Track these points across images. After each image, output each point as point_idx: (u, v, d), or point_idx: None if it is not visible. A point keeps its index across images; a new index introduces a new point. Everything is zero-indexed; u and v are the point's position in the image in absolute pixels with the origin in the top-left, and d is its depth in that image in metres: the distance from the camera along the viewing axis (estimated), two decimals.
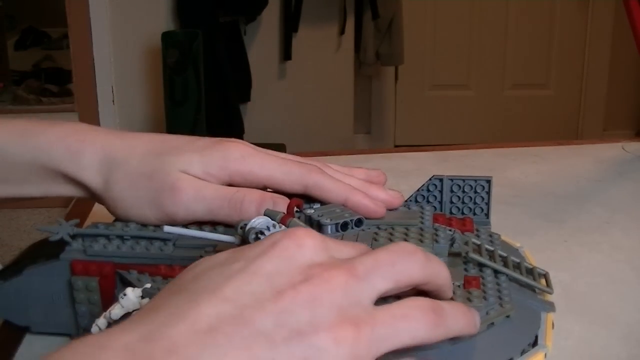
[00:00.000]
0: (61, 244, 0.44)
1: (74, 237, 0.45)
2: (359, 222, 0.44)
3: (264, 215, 0.41)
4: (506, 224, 0.67)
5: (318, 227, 0.41)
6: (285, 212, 0.43)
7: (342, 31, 3.04)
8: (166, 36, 2.61)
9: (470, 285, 0.39)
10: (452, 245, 0.43)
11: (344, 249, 0.32)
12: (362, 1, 3.02)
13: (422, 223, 0.45)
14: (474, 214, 0.52)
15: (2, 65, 3.55)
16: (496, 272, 0.41)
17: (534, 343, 0.37)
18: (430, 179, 0.51)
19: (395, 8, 3.04)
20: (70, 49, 2.84)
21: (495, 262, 0.41)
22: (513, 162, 0.85)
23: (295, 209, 0.45)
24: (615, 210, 0.69)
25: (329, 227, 0.41)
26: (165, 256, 0.42)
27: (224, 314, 0.27)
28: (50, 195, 0.51)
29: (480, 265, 0.41)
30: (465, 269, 0.41)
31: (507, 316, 0.37)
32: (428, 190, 0.52)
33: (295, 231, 0.31)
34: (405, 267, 0.31)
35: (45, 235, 0.45)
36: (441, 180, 0.51)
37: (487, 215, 0.52)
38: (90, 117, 2.87)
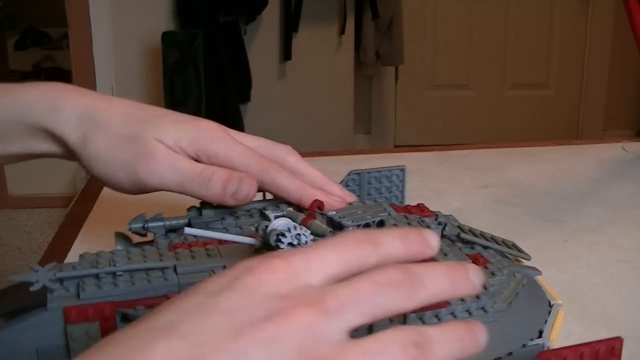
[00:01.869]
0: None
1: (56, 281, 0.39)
2: (381, 224, 0.44)
3: (285, 216, 0.41)
4: (506, 224, 0.67)
5: (340, 228, 0.41)
6: (292, 209, 0.44)
7: (342, 31, 3.04)
8: (166, 36, 2.61)
9: (478, 262, 0.40)
10: (444, 229, 0.45)
11: (320, 268, 0.29)
12: (362, 1, 3.02)
13: (389, 215, 0.46)
14: (391, 202, 0.55)
15: (2, 65, 3.55)
16: (484, 247, 0.44)
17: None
18: (348, 174, 0.54)
19: (395, 8, 3.04)
20: (70, 49, 2.84)
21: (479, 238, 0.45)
22: (513, 162, 0.85)
23: (317, 210, 0.45)
24: (615, 210, 0.69)
25: (351, 228, 0.41)
26: (171, 285, 0.39)
27: (178, 353, 0.25)
28: (32, 153, 0.51)
29: (469, 244, 0.44)
30: (460, 249, 0.43)
31: (523, 285, 0.40)
32: (347, 185, 0.55)
33: (258, 264, 0.28)
34: (386, 300, 0.27)
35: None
36: (359, 174, 0.56)
37: (402, 202, 0.55)
38: None
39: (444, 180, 0.79)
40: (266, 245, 0.40)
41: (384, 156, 0.92)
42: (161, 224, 0.47)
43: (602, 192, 0.75)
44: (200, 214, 0.49)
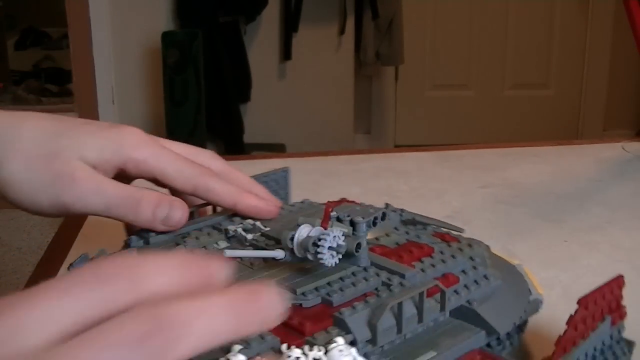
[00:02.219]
0: None
1: None
2: (383, 216, 0.44)
3: (299, 223, 0.39)
4: (506, 224, 0.67)
5: (352, 225, 0.41)
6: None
7: (342, 31, 3.04)
8: (166, 36, 2.61)
9: (445, 239, 0.44)
10: (382, 219, 0.45)
11: (40, 326, 0.21)
12: (362, 1, 3.02)
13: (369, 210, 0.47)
14: None
15: (2, 65, 3.56)
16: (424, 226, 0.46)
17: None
18: None
19: (395, 8, 3.04)
20: (70, 49, 2.84)
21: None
22: (513, 162, 0.85)
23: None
24: (615, 210, 0.69)
25: (363, 225, 0.41)
26: None
27: None
28: None
29: (407, 224, 0.46)
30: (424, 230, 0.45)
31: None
32: None
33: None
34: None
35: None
36: None
37: (287, 202, 0.55)
38: (90, 117, 2.87)
39: (444, 180, 0.79)
40: (294, 256, 0.39)
41: (384, 156, 0.92)
42: None
43: (602, 192, 0.75)
44: (148, 242, 0.44)
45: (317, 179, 0.81)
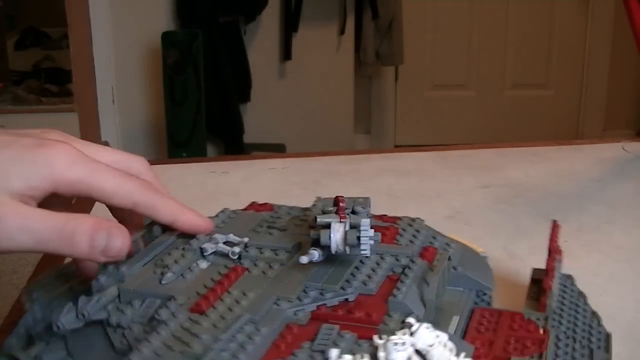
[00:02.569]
0: None
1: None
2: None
3: (319, 222, 0.40)
4: (506, 224, 0.67)
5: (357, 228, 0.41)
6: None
7: (342, 31, 3.04)
8: (166, 36, 2.61)
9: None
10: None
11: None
12: (362, 1, 3.02)
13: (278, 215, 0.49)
14: None
15: (2, 65, 3.55)
16: None
17: None
18: None
19: (395, 8, 3.04)
20: (70, 49, 2.84)
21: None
22: (513, 162, 0.85)
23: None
24: (616, 210, 0.69)
25: (365, 214, 0.42)
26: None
27: None
28: None
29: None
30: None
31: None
32: None
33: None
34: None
35: None
36: None
37: None
38: (90, 117, 2.87)
39: (444, 180, 0.79)
40: (325, 254, 0.40)
41: (384, 156, 0.92)
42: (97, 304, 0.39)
43: (602, 191, 0.75)
44: (122, 280, 0.40)
45: (317, 179, 0.81)
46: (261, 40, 2.99)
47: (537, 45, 3.42)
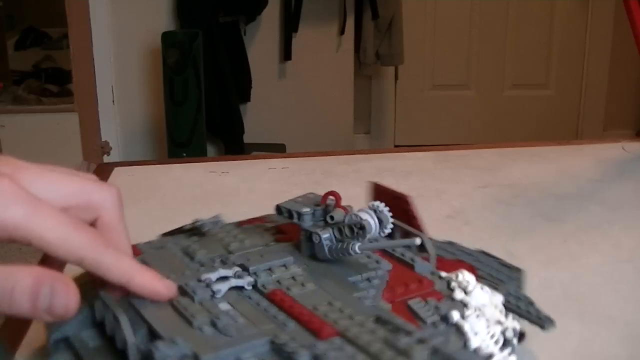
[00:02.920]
0: None
1: None
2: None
3: (334, 217, 0.41)
4: (506, 224, 0.67)
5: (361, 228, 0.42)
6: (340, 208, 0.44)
7: (342, 31, 3.04)
8: (166, 36, 2.61)
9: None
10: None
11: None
12: (362, 1, 3.02)
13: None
14: None
15: (2, 65, 3.55)
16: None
17: None
18: None
19: (395, 8, 3.04)
20: (70, 49, 2.84)
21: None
22: (513, 162, 0.85)
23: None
24: (615, 210, 0.69)
25: (374, 227, 0.42)
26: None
27: None
28: None
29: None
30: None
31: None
32: None
33: None
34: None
35: None
36: None
37: None
38: (90, 117, 2.87)
39: (444, 180, 0.79)
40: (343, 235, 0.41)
41: (384, 156, 0.91)
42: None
43: (602, 191, 0.75)
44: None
45: (317, 179, 0.80)
46: (261, 40, 2.99)
47: (537, 45, 3.42)
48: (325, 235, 0.41)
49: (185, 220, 0.67)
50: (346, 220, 0.41)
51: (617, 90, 3.47)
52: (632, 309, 0.50)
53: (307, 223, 0.44)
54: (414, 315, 0.37)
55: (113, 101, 2.87)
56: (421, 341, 0.32)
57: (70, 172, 0.40)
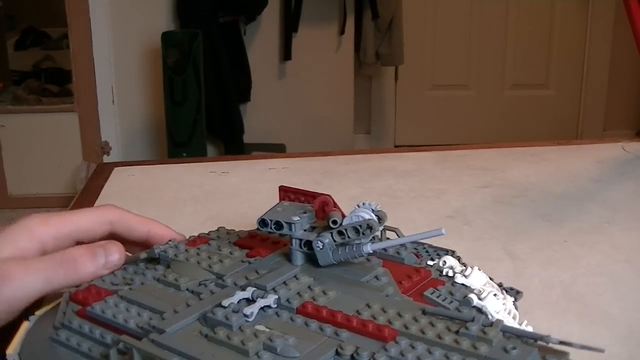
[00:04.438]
0: None
1: None
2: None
3: (333, 220, 0.41)
4: (506, 224, 0.67)
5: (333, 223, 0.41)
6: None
7: (342, 31, 3.04)
8: (166, 36, 2.61)
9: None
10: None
11: None
12: (362, 1, 3.02)
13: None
14: None
15: (2, 65, 3.55)
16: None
17: None
18: None
19: (395, 8, 3.04)
20: (70, 49, 2.84)
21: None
22: (513, 162, 0.85)
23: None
24: (615, 210, 0.69)
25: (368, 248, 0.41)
26: None
27: None
28: None
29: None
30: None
31: None
32: None
33: None
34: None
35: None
36: None
37: None
38: (90, 117, 2.87)
39: (444, 180, 0.79)
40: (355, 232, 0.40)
41: (384, 156, 0.91)
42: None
43: (602, 192, 0.75)
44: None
45: (317, 179, 0.80)
46: (261, 40, 2.99)
47: (537, 45, 3.42)
48: (327, 240, 0.41)
49: (185, 220, 0.67)
50: (348, 222, 0.40)
51: (617, 90, 3.47)
52: (632, 309, 0.50)
53: (298, 232, 0.43)
54: (436, 304, 0.38)
55: (113, 101, 2.87)
56: (487, 325, 0.33)
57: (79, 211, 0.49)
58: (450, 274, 0.41)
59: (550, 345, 0.33)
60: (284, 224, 0.42)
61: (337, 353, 0.33)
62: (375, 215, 0.41)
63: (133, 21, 2.80)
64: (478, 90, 3.50)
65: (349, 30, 3.04)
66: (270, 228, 0.43)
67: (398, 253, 0.44)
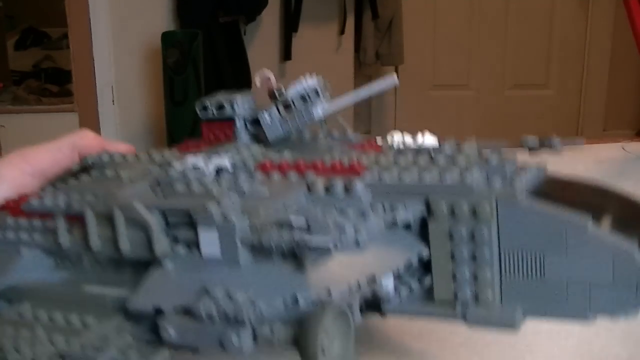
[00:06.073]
0: None
1: None
2: None
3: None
4: None
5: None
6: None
7: (342, 31, 3.04)
8: (166, 36, 2.61)
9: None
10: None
11: None
12: (362, 1, 3.02)
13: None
14: None
15: (2, 65, 3.55)
16: None
17: None
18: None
19: (395, 8, 3.04)
20: (70, 49, 2.84)
21: None
22: None
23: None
24: None
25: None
26: None
27: None
28: None
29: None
30: None
31: None
32: None
33: None
34: None
35: None
36: None
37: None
38: (90, 117, 2.87)
39: None
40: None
41: None
42: None
43: None
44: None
45: None
46: (261, 40, 2.99)
47: (537, 45, 3.42)
48: (273, 110, 0.38)
49: None
50: (293, 92, 0.38)
51: (617, 90, 3.47)
52: None
53: (242, 109, 0.40)
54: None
55: (113, 101, 2.87)
56: (460, 151, 0.33)
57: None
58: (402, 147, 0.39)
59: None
60: (226, 105, 0.40)
61: (308, 190, 0.31)
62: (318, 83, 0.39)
63: (133, 21, 2.80)
64: (478, 90, 3.50)
65: (349, 30, 3.05)
66: (212, 112, 0.40)
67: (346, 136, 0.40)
